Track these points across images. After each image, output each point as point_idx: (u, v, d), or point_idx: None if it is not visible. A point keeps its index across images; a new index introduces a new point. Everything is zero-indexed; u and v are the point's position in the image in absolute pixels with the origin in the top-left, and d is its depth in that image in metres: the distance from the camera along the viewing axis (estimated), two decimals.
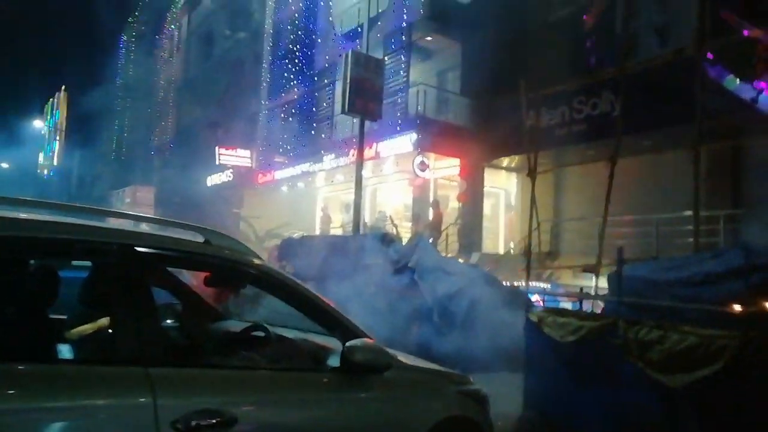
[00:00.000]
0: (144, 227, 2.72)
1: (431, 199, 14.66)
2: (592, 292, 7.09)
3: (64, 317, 3.09)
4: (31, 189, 46.70)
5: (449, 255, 13.01)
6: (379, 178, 16.61)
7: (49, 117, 61.57)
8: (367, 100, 11.15)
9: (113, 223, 2.65)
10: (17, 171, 51.48)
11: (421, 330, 7.34)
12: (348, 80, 11.00)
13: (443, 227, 13.80)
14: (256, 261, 2.70)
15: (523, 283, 7.49)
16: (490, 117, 13.41)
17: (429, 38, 14.04)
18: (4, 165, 51.43)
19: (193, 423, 2.06)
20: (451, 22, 13.64)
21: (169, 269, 3.46)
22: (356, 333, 2.73)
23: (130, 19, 38.61)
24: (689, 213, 7.69)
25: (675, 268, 4.83)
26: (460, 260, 11.66)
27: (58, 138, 57.81)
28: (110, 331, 2.37)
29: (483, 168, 14.02)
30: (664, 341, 3.85)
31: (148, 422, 1.97)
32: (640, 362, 3.94)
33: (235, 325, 3.58)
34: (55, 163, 58.73)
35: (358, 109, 11.14)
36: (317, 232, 17.54)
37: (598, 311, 5.76)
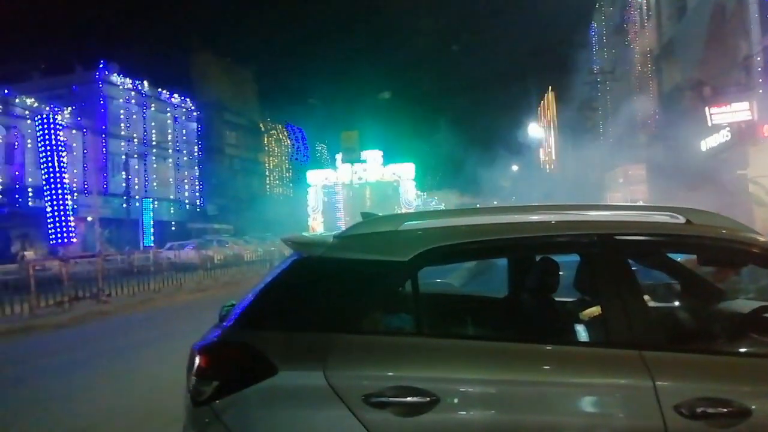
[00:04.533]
0: (624, 215, 2.79)
1: None
2: None
3: (571, 299, 3.52)
4: (541, 183, 54.20)
5: None
6: None
7: (542, 118, 68.73)
8: None
9: (595, 215, 2.79)
10: (526, 170, 61.88)
11: None
12: None
13: None
14: (748, 236, 2.45)
15: None
16: None
17: None
18: (515, 167, 61.49)
19: (699, 410, 2.03)
20: None
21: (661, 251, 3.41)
22: None
23: (597, 5, 39.38)
24: None
25: None
26: None
27: (552, 134, 64.16)
28: (602, 315, 2.59)
29: None
30: None
31: (650, 403, 2.07)
32: None
33: (742, 306, 3.29)
34: (552, 157, 65.32)
35: None
36: None
37: None
